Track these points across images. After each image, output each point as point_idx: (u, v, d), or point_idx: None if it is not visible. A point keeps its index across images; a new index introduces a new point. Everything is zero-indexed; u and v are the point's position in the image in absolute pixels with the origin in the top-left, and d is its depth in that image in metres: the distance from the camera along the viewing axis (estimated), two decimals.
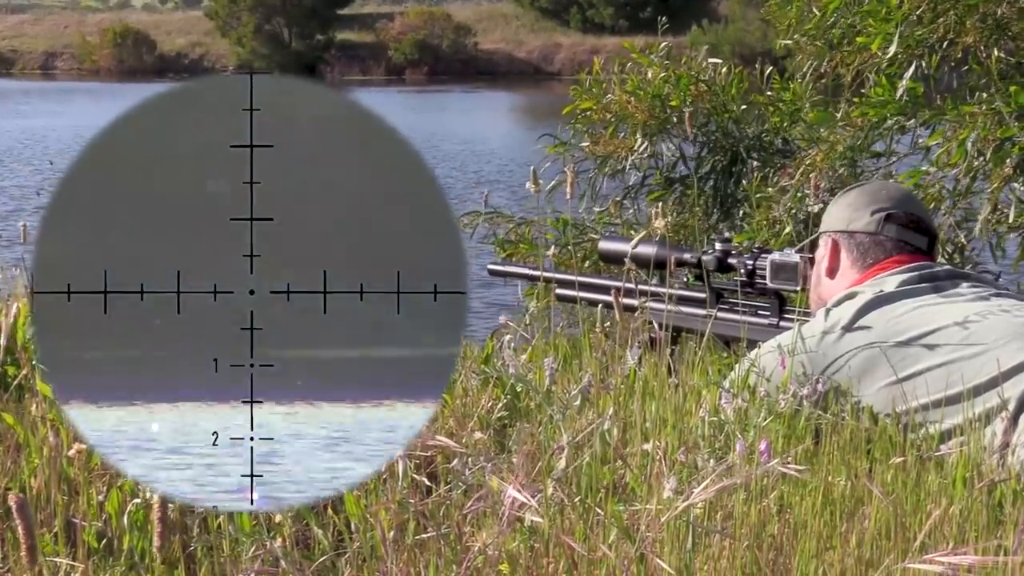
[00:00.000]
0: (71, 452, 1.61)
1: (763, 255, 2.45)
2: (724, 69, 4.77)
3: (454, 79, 45.13)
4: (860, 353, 2.04)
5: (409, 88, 42.96)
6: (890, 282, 2.17)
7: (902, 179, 4.03)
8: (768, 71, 4.79)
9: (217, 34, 52.75)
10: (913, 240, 2.29)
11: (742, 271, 2.47)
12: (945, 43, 4.08)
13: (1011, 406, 1.86)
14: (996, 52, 4.03)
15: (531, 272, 3.07)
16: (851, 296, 2.16)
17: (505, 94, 39.21)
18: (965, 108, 3.74)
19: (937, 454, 1.75)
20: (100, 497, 1.57)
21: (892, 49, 3.95)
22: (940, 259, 3.98)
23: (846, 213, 2.33)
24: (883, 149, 4.34)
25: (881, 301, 2.11)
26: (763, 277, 2.42)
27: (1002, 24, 4.06)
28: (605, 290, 2.63)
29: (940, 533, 1.48)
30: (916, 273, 2.18)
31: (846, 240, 2.32)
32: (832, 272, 2.33)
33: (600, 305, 2.42)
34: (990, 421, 1.86)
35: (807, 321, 2.24)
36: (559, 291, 2.82)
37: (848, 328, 2.09)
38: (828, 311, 2.16)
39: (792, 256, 2.39)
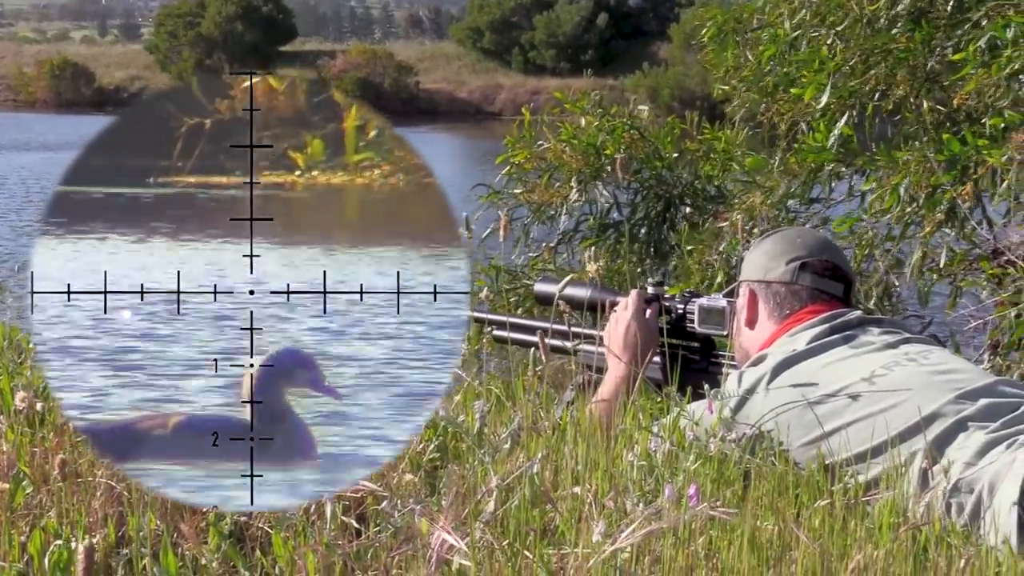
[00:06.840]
0: None
1: (693, 299, 2.46)
2: (646, 114, 4.82)
3: (395, 118, 45.03)
4: (773, 417, 2.05)
5: None
6: (801, 339, 2.19)
7: (836, 223, 4.09)
8: (698, 119, 4.86)
9: (157, 68, 52.44)
10: (829, 288, 2.30)
11: (672, 315, 2.48)
12: (876, 94, 4.16)
13: (919, 458, 1.89)
14: (926, 103, 4.12)
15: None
16: (761, 359, 2.18)
17: (446, 135, 39.26)
18: (898, 155, 3.81)
19: (864, 499, 1.77)
20: (22, 538, 1.54)
21: (824, 99, 4.02)
22: (870, 304, 4.04)
23: (763, 262, 2.34)
24: (820, 195, 4.41)
25: (790, 362, 2.13)
26: (692, 321, 2.43)
27: (932, 76, 4.15)
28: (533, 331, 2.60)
29: None
30: (827, 325, 2.20)
31: (763, 290, 2.33)
32: (751, 323, 2.34)
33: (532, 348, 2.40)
34: (904, 472, 1.88)
35: (735, 367, 2.25)
36: (498, 332, 2.77)
37: (763, 391, 2.10)
38: (741, 375, 2.17)
39: (719, 301, 2.40)
